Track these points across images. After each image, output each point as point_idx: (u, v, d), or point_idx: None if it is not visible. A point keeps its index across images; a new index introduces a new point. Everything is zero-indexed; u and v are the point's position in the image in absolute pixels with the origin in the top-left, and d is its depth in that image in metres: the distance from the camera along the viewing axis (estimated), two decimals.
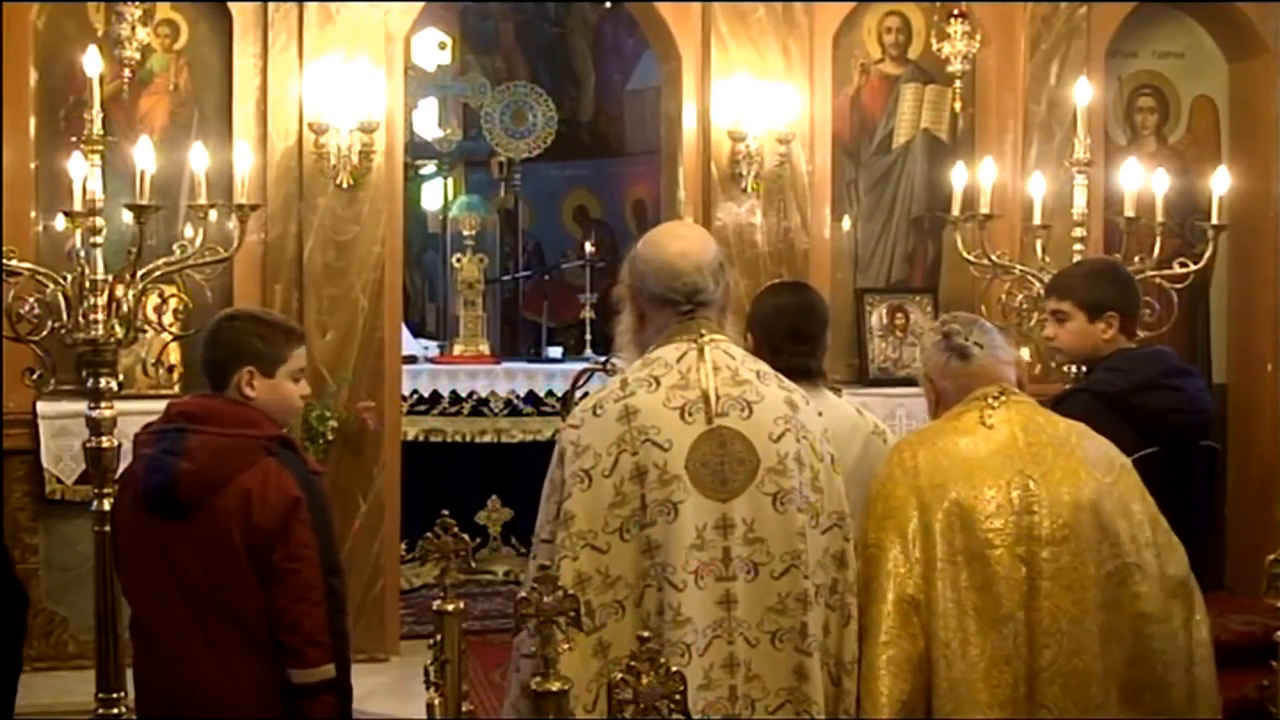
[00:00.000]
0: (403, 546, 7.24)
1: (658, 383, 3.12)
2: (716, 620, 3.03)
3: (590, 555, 3.03)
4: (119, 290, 4.60)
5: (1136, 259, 5.68)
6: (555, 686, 2.47)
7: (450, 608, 3.39)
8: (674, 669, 2.34)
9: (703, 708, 2.99)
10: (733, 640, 3.04)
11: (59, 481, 6.32)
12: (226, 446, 3.59)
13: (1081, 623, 3.34)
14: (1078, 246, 5.76)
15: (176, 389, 5.91)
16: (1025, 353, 6.14)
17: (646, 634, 2.47)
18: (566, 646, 2.91)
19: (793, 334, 3.78)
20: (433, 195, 12.66)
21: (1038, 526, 3.35)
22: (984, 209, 5.81)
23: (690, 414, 3.09)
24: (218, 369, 3.71)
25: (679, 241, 3.29)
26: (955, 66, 7.20)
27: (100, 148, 4.54)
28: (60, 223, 5.95)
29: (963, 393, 3.53)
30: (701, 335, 3.18)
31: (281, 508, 3.54)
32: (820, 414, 3.29)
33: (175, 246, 4.92)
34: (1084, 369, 4.60)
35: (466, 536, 3.48)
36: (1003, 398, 3.49)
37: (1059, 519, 3.36)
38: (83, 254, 4.59)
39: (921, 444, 3.48)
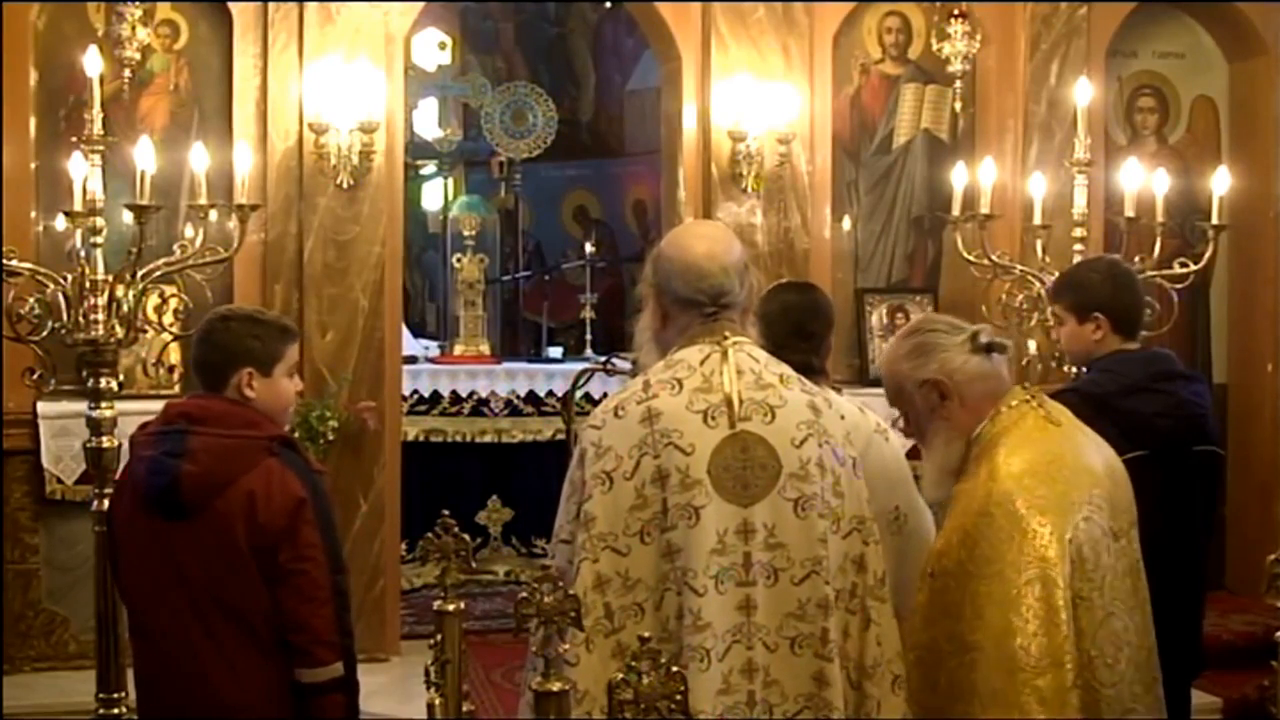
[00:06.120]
0: (403, 546, 7.24)
1: (680, 385, 3.10)
2: (736, 625, 3.01)
3: (610, 557, 3.01)
4: (119, 290, 4.59)
5: (1137, 259, 5.68)
6: (555, 687, 2.47)
7: (451, 608, 3.39)
8: (675, 669, 2.34)
9: (721, 713, 2.98)
10: (752, 645, 3.02)
11: (59, 481, 6.31)
12: (229, 448, 3.58)
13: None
14: (1078, 247, 5.76)
15: (177, 389, 5.92)
16: (1032, 345, 6.16)
17: (647, 634, 2.47)
18: (582, 647, 2.92)
19: (796, 331, 3.78)
20: (433, 195, 12.67)
21: (1127, 499, 3.33)
22: (984, 209, 5.82)
23: (713, 418, 3.07)
24: (214, 370, 3.70)
25: (704, 242, 3.25)
26: (955, 66, 7.21)
27: (100, 148, 4.53)
28: (60, 223, 5.96)
29: (984, 398, 3.34)
30: (725, 338, 3.15)
31: (287, 508, 3.54)
32: (843, 417, 3.26)
33: (175, 246, 4.92)
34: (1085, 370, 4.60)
35: (467, 536, 3.47)
36: (1035, 396, 3.37)
37: (1128, 493, 3.35)
38: (83, 254, 4.59)
39: (1029, 474, 3.20)
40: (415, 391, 8.33)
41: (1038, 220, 5.98)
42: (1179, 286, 5.84)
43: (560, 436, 8.18)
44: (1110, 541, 3.22)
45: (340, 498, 6.07)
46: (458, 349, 9.06)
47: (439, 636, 3.39)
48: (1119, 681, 3.18)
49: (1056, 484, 3.20)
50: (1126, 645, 3.21)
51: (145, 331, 4.88)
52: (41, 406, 6.19)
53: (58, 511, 6.36)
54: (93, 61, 4.58)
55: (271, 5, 6.59)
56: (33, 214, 6.45)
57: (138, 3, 6.35)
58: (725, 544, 3.02)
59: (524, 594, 2.51)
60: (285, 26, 6.60)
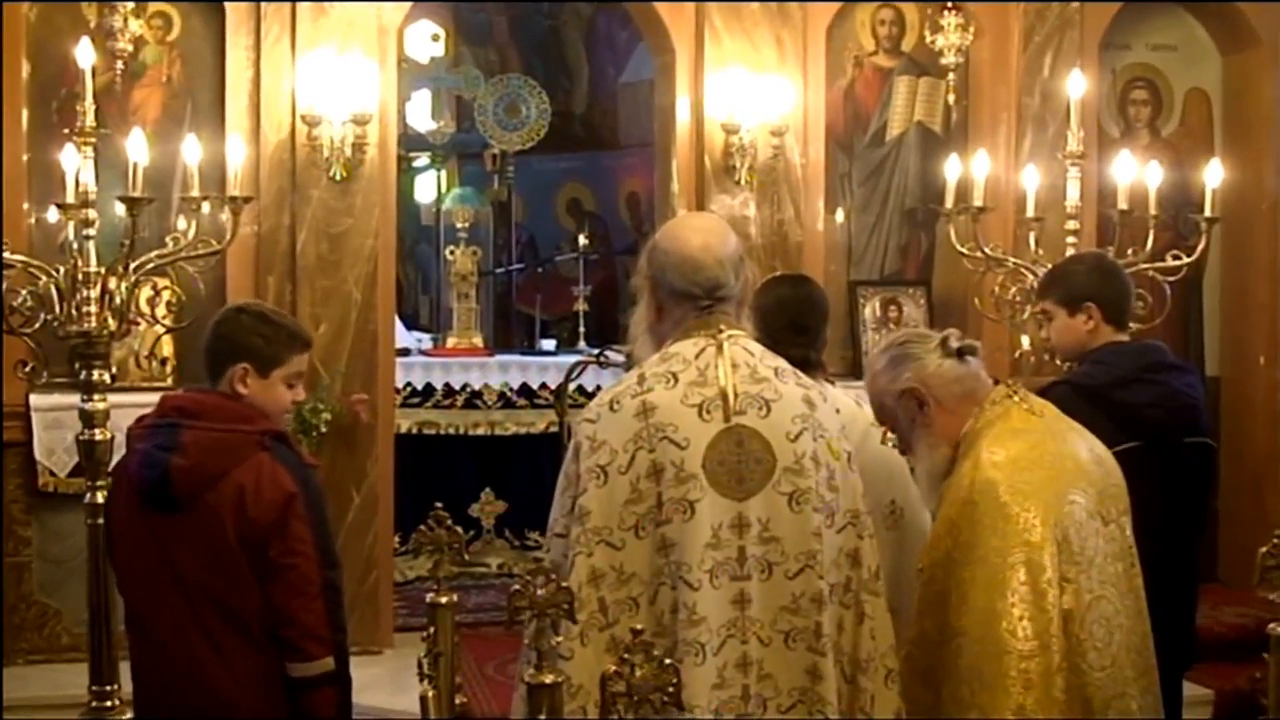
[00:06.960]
0: (396, 539, 7.23)
1: (676, 379, 3.09)
2: (730, 620, 3.01)
3: (605, 552, 3.01)
4: (112, 282, 4.59)
5: (1130, 252, 5.69)
6: (548, 679, 2.47)
7: (444, 600, 3.40)
8: (668, 662, 2.34)
9: (716, 707, 2.98)
10: (746, 640, 3.02)
11: (52, 474, 6.31)
12: (220, 442, 3.58)
13: None
14: (1071, 239, 5.75)
15: (169, 381, 5.92)
16: (1025, 341, 6.16)
17: (639, 627, 2.47)
18: (576, 641, 2.92)
19: (791, 326, 3.78)
20: (426, 188, 12.64)
21: (1117, 486, 3.34)
22: (977, 201, 5.81)
23: (708, 412, 3.06)
24: (214, 360, 3.70)
25: (700, 235, 3.26)
26: (949, 59, 7.21)
27: (93, 140, 4.53)
28: (53, 215, 5.95)
29: (963, 399, 3.39)
30: (721, 331, 3.15)
31: (277, 503, 3.54)
32: (838, 411, 3.26)
33: (168, 239, 4.91)
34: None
35: (460, 529, 3.49)
36: (1017, 390, 3.40)
37: (1119, 480, 3.35)
38: (75, 246, 4.59)
39: (1011, 463, 3.23)
40: (408, 384, 8.33)
41: (1031, 213, 5.97)
42: (1172, 279, 5.85)
43: (553, 429, 8.18)
44: (1099, 525, 3.22)
45: (333, 490, 6.07)
46: (451, 341, 9.06)
47: (432, 629, 3.40)
48: (1109, 665, 3.17)
49: (1040, 470, 3.22)
50: (1118, 629, 3.20)
51: (138, 324, 4.90)
52: (34, 399, 6.19)
53: (50, 504, 6.35)
54: (85, 54, 4.57)
55: None
56: (25, 206, 6.44)
57: None
58: (720, 538, 3.02)
59: (517, 587, 2.52)
60: (278, 19, 6.58)
